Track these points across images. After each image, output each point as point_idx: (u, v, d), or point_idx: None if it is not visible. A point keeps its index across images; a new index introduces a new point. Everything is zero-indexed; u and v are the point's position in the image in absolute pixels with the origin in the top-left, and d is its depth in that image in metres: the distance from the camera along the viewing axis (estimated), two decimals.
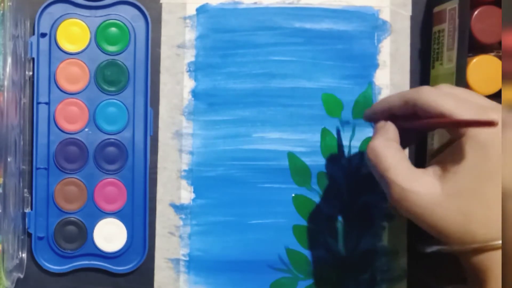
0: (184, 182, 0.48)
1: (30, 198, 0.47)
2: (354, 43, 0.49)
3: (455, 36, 0.44)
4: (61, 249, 0.47)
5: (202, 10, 0.48)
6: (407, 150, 0.49)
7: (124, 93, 0.48)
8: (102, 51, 0.48)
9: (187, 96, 0.48)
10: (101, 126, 0.47)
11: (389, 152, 0.38)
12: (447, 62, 0.45)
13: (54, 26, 0.47)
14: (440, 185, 0.37)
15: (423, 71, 0.49)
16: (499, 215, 0.36)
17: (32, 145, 0.47)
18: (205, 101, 0.48)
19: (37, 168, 0.47)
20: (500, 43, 0.45)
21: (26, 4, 0.47)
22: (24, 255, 0.47)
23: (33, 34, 0.47)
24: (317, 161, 0.49)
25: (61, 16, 0.47)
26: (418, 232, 0.40)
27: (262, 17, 0.49)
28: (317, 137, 0.49)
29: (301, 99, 0.49)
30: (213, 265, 0.48)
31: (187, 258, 0.48)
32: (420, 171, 0.38)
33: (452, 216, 0.36)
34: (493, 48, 0.45)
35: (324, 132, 0.49)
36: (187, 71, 0.48)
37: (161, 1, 0.48)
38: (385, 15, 0.49)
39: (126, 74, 0.48)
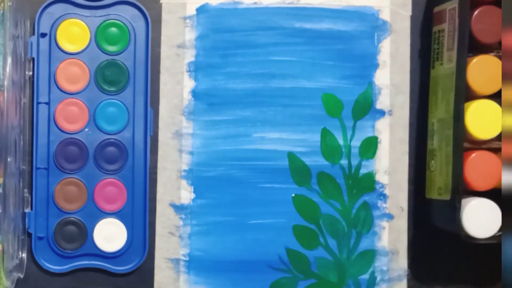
0: (184, 182, 0.48)
1: (30, 198, 0.47)
2: (354, 43, 0.49)
3: (455, 36, 0.44)
4: (61, 249, 0.47)
5: (202, 10, 0.48)
6: (406, 148, 0.49)
7: (124, 93, 0.48)
8: (102, 51, 0.48)
9: (187, 96, 0.48)
10: (101, 126, 0.47)
11: None
12: (447, 62, 0.45)
13: (54, 26, 0.47)
14: None
15: (423, 71, 0.49)
16: None
17: (32, 145, 0.47)
18: (205, 101, 0.48)
19: (37, 168, 0.47)
20: (500, 43, 0.45)
21: (26, 4, 0.47)
22: (24, 255, 0.47)
23: (33, 34, 0.47)
24: (317, 161, 0.49)
25: (61, 16, 0.47)
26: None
27: (262, 17, 0.49)
28: (317, 137, 0.49)
29: (301, 99, 0.49)
30: (213, 265, 0.48)
31: (187, 258, 0.48)
32: None
33: None
34: (493, 48, 0.45)
35: (324, 132, 0.49)
36: (187, 71, 0.48)
37: (161, 1, 0.48)
38: (385, 15, 0.49)
39: (126, 74, 0.48)
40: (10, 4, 0.44)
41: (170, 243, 0.48)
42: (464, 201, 0.44)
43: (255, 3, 0.49)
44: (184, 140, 0.48)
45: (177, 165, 0.48)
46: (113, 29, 0.48)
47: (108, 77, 0.48)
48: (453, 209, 0.43)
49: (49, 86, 0.47)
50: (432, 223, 0.48)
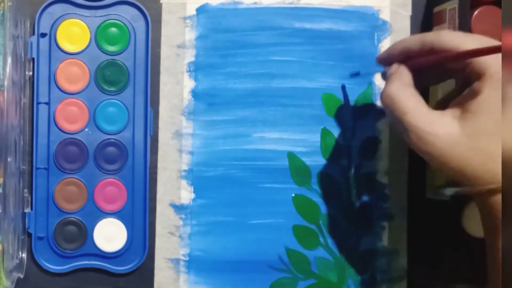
0: (184, 182, 0.48)
1: (30, 198, 0.47)
2: (354, 43, 0.49)
3: None
4: (61, 249, 0.47)
5: (202, 10, 0.48)
6: (406, 149, 0.49)
7: (124, 93, 0.48)
8: (102, 51, 0.48)
9: (187, 96, 0.48)
10: (101, 126, 0.47)
11: (405, 96, 0.38)
12: None
13: (54, 26, 0.47)
14: (459, 125, 0.37)
15: None
16: None
17: (32, 145, 0.47)
18: (205, 101, 0.48)
19: (37, 168, 0.47)
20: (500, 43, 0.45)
21: (26, 4, 0.47)
22: (24, 255, 0.47)
23: (33, 34, 0.47)
24: (317, 161, 0.49)
25: (61, 16, 0.47)
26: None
27: (262, 17, 0.49)
28: (317, 137, 0.49)
29: (301, 99, 0.49)
30: (213, 265, 0.48)
31: (187, 258, 0.48)
32: (438, 113, 0.38)
33: (472, 155, 0.36)
34: None
35: (324, 132, 0.49)
36: (187, 71, 0.48)
37: (161, 1, 0.48)
38: (385, 15, 0.49)
39: (126, 74, 0.48)
40: (10, 4, 0.44)
41: (170, 243, 0.48)
42: (464, 201, 0.44)
43: (255, 3, 0.49)
44: (184, 140, 0.48)
45: (177, 165, 0.48)
46: (113, 29, 0.48)
47: (108, 77, 0.48)
48: (453, 209, 0.43)
49: (49, 86, 0.47)
50: (432, 223, 0.48)
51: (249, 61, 0.48)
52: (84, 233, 0.47)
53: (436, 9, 0.47)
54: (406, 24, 0.49)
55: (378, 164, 0.49)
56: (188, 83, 0.48)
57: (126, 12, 0.48)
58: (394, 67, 0.41)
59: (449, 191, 0.39)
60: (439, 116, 0.38)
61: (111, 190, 0.47)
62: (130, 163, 0.48)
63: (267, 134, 0.48)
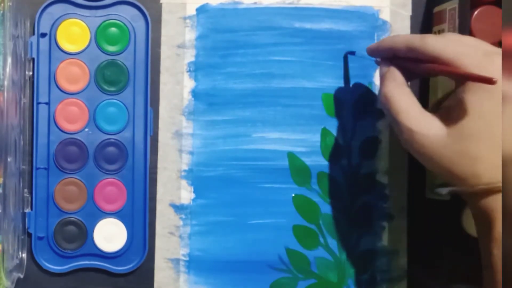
0: (184, 182, 0.48)
1: (30, 198, 0.47)
2: (354, 43, 0.49)
3: None
4: (61, 249, 0.47)
5: (202, 10, 0.48)
6: None
7: (124, 93, 0.48)
8: (102, 51, 0.48)
9: (187, 96, 0.48)
10: (101, 126, 0.47)
11: (399, 96, 0.40)
12: None
13: (54, 26, 0.47)
14: (446, 129, 0.38)
15: None
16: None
17: (32, 145, 0.47)
18: (205, 101, 0.48)
19: (37, 168, 0.47)
20: (500, 43, 0.45)
21: (26, 4, 0.47)
22: (24, 255, 0.47)
23: (33, 34, 0.47)
24: (317, 161, 0.49)
25: (61, 16, 0.47)
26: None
27: (262, 17, 0.49)
28: (317, 137, 0.49)
29: (301, 99, 0.49)
30: (213, 265, 0.48)
31: (187, 258, 0.48)
32: (429, 114, 0.39)
33: (458, 158, 0.37)
34: None
35: (324, 132, 0.49)
36: (187, 71, 0.48)
37: (161, 1, 0.48)
38: (385, 15, 0.49)
39: (126, 74, 0.48)
40: (10, 4, 0.44)
41: (170, 243, 0.48)
42: (463, 201, 0.44)
43: (255, 3, 0.49)
44: (184, 140, 0.48)
45: (177, 165, 0.48)
46: (113, 29, 0.48)
47: (108, 77, 0.48)
48: (453, 209, 0.43)
49: (49, 86, 0.47)
50: (432, 223, 0.48)
51: (249, 61, 0.48)
52: (84, 233, 0.47)
53: (436, 9, 0.47)
54: (406, 24, 0.49)
55: (378, 164, 0.49)
56: (188, 83, 0.48)
57: (126, 12, 0.48)
58: (384, 68, 0.42)
59: (444, 190, 0.39)
60: (429, 117, 0.39)
61: (111, 190, 0.47)
62: (130, 163, 0.48)
63: (267, 134, 0.48)
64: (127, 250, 0.48)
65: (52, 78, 0.47)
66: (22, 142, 0.47)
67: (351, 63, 0.49)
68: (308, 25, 0.49)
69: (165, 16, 0.48)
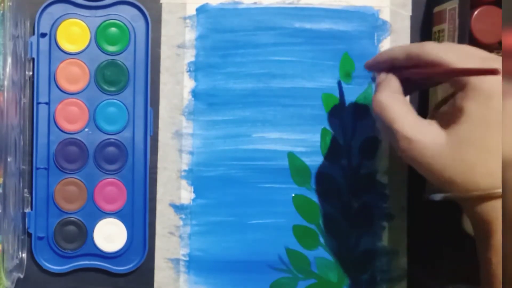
0: (184, 182, 0.48)
1: (30, 198, 0.47)
2: (354, 43, 0.49)
3: (455, 36, 0.44)
4: (61, 249, 0.47)
5: (202, 10, 0.48)
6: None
7: (124, 93, 0.48)
8: (102, 51, 0.48)
9: (187, 96, 0.48)
10: (101, 126, 0.47)
11: (395, 104, 0.39)
12: None
13: (54, 26, 0.47)
14: (445, 135, 0.38)
15: None
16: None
17: (32, 145, 0.47)
18: (205, 101, 0.48)
19: (37, 168, 0.47)
20: (500, 43, 0.45)
21: (26, 4, 0.47)
22: (24, 255, 0.47)
23: (33, 34, 0.47)
24: (317, 161, 0.49)
25: (61, 16, 0.47)
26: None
27: (262, 17, 0.49)
28: (317, 137, 0.49)
29: (301, 99, 0.49)
30: (213, 265, 0.48)
31: (187, 258, 0.48)
32: (426, 122, 0.39)
33: (456, 166, 0.37)
34: (493, 48, 0.45)
35: (324, 132, 0.49)
36: (187, 71, 0.48)
37: (161, 1, 0.48)
38: (385, 15, 0.49)
39: (126, 74, 0.48)
40: (10, 4, 0.44)
41: (170, 243, 0.48)
42: None
43: (255, 3, 0.49)
44: (184, 140, 0.48)
45: (177, 165, 0.48)
46: (113, 29, 0.48)
47: (108, 77, 0.48)
48: (453, 209, 0.43)
49: (49, 86, 0.47)
50: (432, 223, 0.48)
51: (249, 61, 0.48)
52: (84, 233, 0.47)
53: (436, 9, 0.47)
54: (406, 24, 0.49)
55: (378, 164, 0.49)
56: (188, 83, 0.48)
57: (126, 12, 0.48)
58: (383, 75, 0.42)
59: (437, 196, 0.39)
60: (426, 125, 0.39)
61: (111, 190, 0.47)
62: (130, 163, 0.48)
63: (267, 134, 0.48)
64: (127, 250, 0.48)
65: (52, 78, 0.47)
66: (22, 142, 0.47)
67: (351, 63, 0.49)
68: (308, 25, 0.49)
69: (165, 16, 0.48)
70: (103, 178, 0.48)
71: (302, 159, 0.48)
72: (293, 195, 0.48)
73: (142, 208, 0.47)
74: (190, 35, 0.48)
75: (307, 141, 0.49)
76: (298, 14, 0.49)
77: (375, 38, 0.49)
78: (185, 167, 0.48)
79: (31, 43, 0.47)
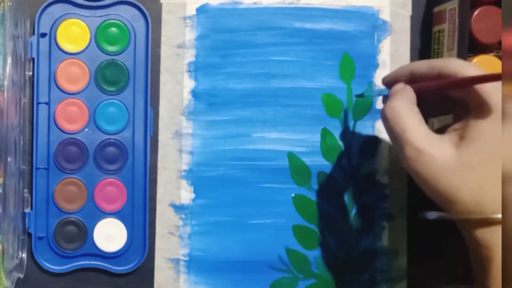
0: (184, 182, 0.48)
1: (30, 198, 0.47)
2: (354, 43, 0.49)
3: (455, 36, 0.44)
4: (61, 249, 0.47)
5: (202, 10, 0.48)
6: None
7: (124, 93, 0.48)
8: (102, 51, 0.48)
9: (187, 96, 0.48)
10: (101, 126, 0.47)
11: (408, 113, 0.38)
12: None
13: (54, 26, 0.47)
14: (456, 152, 0.36)
15: None
16: None
17: (32, 145, 0.47)
18: (205, 101, 0.48)
19: (37, 168, 0.47)
20: (500, 43, 0.45)
21: (26, 4, 0.47)
22: (24, 255, 0.47)
23: (33, 34, 0.47)
24: (317, 161, 0.49)
25: (61, 16, 0.47)
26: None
27: (262, 17, 0.49)
28: (317, 137, 0.49)
29: (301, 99, 0.49)
30: (213, 265, 0.48)
31: (187, 258, 0.48)
32: (437, 136, 0.38)
33: (465, 185, 0.36)
34: (493, 48, 0.45)
35: (324, 132, 0.49)
36: (187, 71, 0.48)
37: (161, 1, 0.48)
38: (385, 15, 0.49)
39: (126, 74, 0.48)
40: (10, 4, 0.44)
41: (170, 243, 0.48)
42: None
43: (255, 3, 0.49)
44: (184, 140, 0.48)
45: (177, 165, 0.48)
46: (113, 29, 0.48)
47: (108, 77, 0.48)
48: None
49: (49, 86, 0.47)
50: (432, 223, 0.48)
51: (249, 61, 0.48)
52: (84, 233, 0.47)
53: (436, 9, 0.47)
54: (406, 24, 0.49)
55: (378, 164, 0.49)
56: (188, 83, 0.48)
57: (126, 12, 0.48)
58: (399, 85, 0.41)
59: (432, 215, 0.39)
60: (437, 139, 0.37)
61: (111, 190, 0.47)
62: (130, 163, 0.48)
63: (267, 134, 0.48)
64: (127, 250, 0.48)
65: (52, 78, 0.47)
66: (22, 142, 0.47)
67: (356, 63, 0.49)
68: (308, 25, 0.49)
69: (165, 16, 0.48)
70: (103, 178, 0.48)
71: (302, 159, 0.48)
72: (293, 195, 0.48)
73: (142, 208, 0.47)
74: (190, 35, 0.48)
75: (307, 141, 0.49)
76: (298, 14, 0.49)
77: (375, 38, 0.49)
78: (185, 167, 0.48)
79: (31, 43, 0.47)
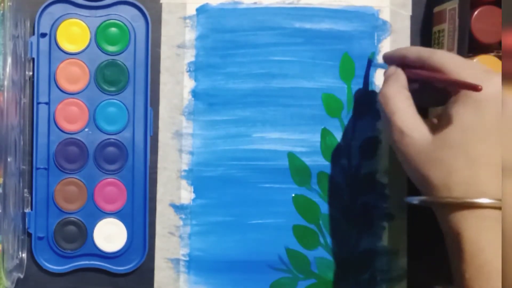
0: (184, 182, 0.48)
1: (30, 198, 0.47)
2: (354, 43, 0.49)
3: (455, 36, 0.44)
4: (61, 249, 0.47)
5: (202, 10, 0.48)
6: None
7: (124, 93, 0.48)
8: (102, 51, 0.48)
9: (187, 96, 0.48)
10: (101, 126, 0.47)
11: (398, 97, 0.41)
12: None
13: (54, 26, 0.47)
14: (431, 135, 0.38)
15: None
16: (483, 175, 0.36)
17: (32, 145, 0.47)
18: (205, 101, 0.48)
19: (37, 168, 0.47)
20: (500, 43, 0.45)
21: (26, 4, 0.47)
22: (24, 255, 0.47)
23: (33, 34, 0.47)
24: (317, 161, 0.49)
25: (61, 16, 0.47)
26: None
27: (262, 17, 0.49)
28: (317, 137, 0.49)
29: (301, 99, 0.49)
30: (213, 265, 0.48)
31: (187, 258, 0.48)
32: (420, 120, 0.40)
33: (435, 166, 0.38)
34: (493, 48, 0.45)
35: (324, 132, 0.49)
36: (187, 71, 0.48)
37: (161, 1, 0.48)
38: (385, 15, 0.49)
39: (126, 74, 0.48)
40: (10, 4, 0.44)
41: (170, 243, 0.48)
42: None
43: (255, 3, 0.49)
44: (184, 140, 0.48)
45: (177, 165, 0.48)
46: (113, 29, 0.48)
47: (108, 77, 0.48)
48: None
49: (49, 86, 0.47)
50: (432, 223, 0.48)
51: (249, 61, 0.48)
52: (84, 233, 0.47)
53: (436, 9, 0.47)
54: (406, 24, 0.49)
55: (378, 164, 0.49)
56: (188, 83, 0.48)
57: (126, 12, 0.48)
58: (392, 69, 0.43)
59: (414, 199, 0.40)
60: (420, 122, 0.40)
61: (111, 190, 0.47)
62: (130, 163, 0.48)
63: (267, 134, 0.48)
64: (127, 250, 0.48)
65: (52, 78, 0.47)
66: (22, 142, 0.47)
67: (356, 63, 0.49)
68: (308, 25, 0.49)
69: (165, 16, 0.48)
70: (103, 178, 0.48)
71: (302, 159, 0.48)
72: (293, 195, 0.48)
73: (142, 208, 0.47)
74: (190, 35, 0.48)
75: (307, 141, 0.49)
76: (298, 14, 0.49)
77: (375, 38, 0.49)
78: (185, 167, 0.48)
79: (31, 43, 0.47)
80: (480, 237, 0.36)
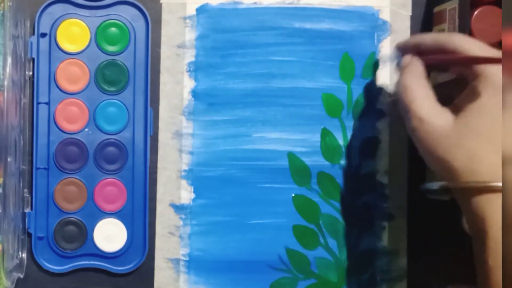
0: (184, 182, 0.48)
1: (30, 198, 0.47)
2: (354, 43, 0.49)
3: None
4: (61, 249, 0.47)
5: (202, 10, 0.48)
6: (406, 149, 0.49)
7: (124, 93, 0.48)
8: (102, 51, 0.48)
9: (187, 96, 0.48)
10: (101, 126, 0.47)
11: (416, 86, 0.41)
12: None
13: (54, 26, 0.47)
14: (453, 121, 0.38)
15: None
16: None
17: (32, 145, 0.47)
18: (205, 101, 0.48)
19: (37, 168, 0.47)
20: (500, 43, 0.45)
21: (26, 4, 0.47)
22: (24, 255, 0.47)
23: (33, 34, 0.47)
24: (317, 161, 0.49)
25: (61, 16, 0.47)
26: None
27: (262, 17, 0.49)
28: (317, 137, 0.49)
29: (301, 99, 0.49)
30: (213, 265, 0.48)
31: (187, 258, 0.48)
32: (440, 107, 0.40)
33: (457, 152, 0.38)
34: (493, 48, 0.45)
35: (324, 132, 0.49)
36: (187, 71, 0.48)
37: (161, 1, 0.48)
38: (385, 15, 0.49)
39: (126, 74, 0.48)
40: (10, 4, 0.44)
41: (170, 243, 0.48)
42: None
43: (255, 3, 0.49)
44: (184, 140, 0.48)
45: (177, 165, 0.48)
46: (113, 29, 0.48)
47: (108, 77, 0.48)
48: (453, 209, 0.43)
49: (49, 86, 0.47)
50: (432, 223, 0.48)
51: (249, 61, 0.48)
52: (84, 233, 0.47)
53: (436, 9, 0.47)
54: (406, 24, 0.49)
55: (378, 164, 0.49)
56: (188, 83, 0.48)
57: (126, 12, 0.48)
58: (407, 58, 0.43)
59: (435, 185, 0.40)
60: (440, 109, 0.40)
61: (111, 190, 0.47)
62: (130, 163, 0.48)
63: (267, 134, 0.49)
64: (127, 250, 0.48)
65: (52, 78, 0.47)
66: (22, 142, 0.47)
67: (356, 63, 0.49)
68: (308, 25, 0.49)
69: (165, 16, 0.48)
70: (103, 178, 0.48)
71: (302, 159, 0.48)
72: (293, 195, 0.48)
73: (142, 208, 0.47)
74: (190, 35, 0.48)
75: (307, 141, 0.49)
76: (298, 14, 0.49)
77: (375, 38, 0.49)
78: (185, 167, 0.48)
79: (31, 43, 0.47)
80: None
